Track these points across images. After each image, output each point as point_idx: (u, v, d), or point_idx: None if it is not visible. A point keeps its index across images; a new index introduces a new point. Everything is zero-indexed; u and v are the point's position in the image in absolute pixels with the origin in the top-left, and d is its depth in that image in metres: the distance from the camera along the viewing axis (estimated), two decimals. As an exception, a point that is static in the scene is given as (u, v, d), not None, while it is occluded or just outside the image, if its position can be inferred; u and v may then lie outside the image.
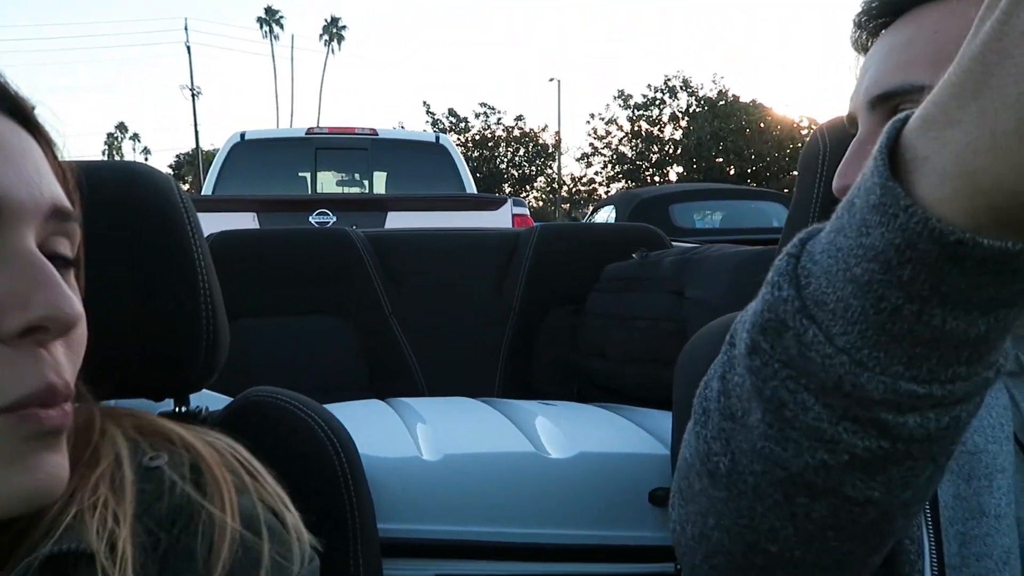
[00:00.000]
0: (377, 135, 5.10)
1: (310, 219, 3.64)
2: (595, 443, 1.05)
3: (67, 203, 0.44)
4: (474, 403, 1.30)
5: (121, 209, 0.67)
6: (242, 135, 4.86)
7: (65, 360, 0.41)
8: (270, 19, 48.24)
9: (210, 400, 0.77)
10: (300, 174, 5.20)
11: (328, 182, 5.66)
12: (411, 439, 1.02)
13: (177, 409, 0.74)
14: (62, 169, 0.47)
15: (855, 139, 0.62)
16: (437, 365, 1.67)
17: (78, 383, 0.47)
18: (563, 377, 1.72)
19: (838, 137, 0.83)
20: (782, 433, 0.37)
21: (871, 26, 0.63)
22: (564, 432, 1.07)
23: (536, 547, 0.96)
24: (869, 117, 0.60)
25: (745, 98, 22.87)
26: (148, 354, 0.67)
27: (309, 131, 5.12)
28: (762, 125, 21.74)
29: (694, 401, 0.48)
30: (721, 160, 22.08)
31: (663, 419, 1.18)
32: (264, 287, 1.61)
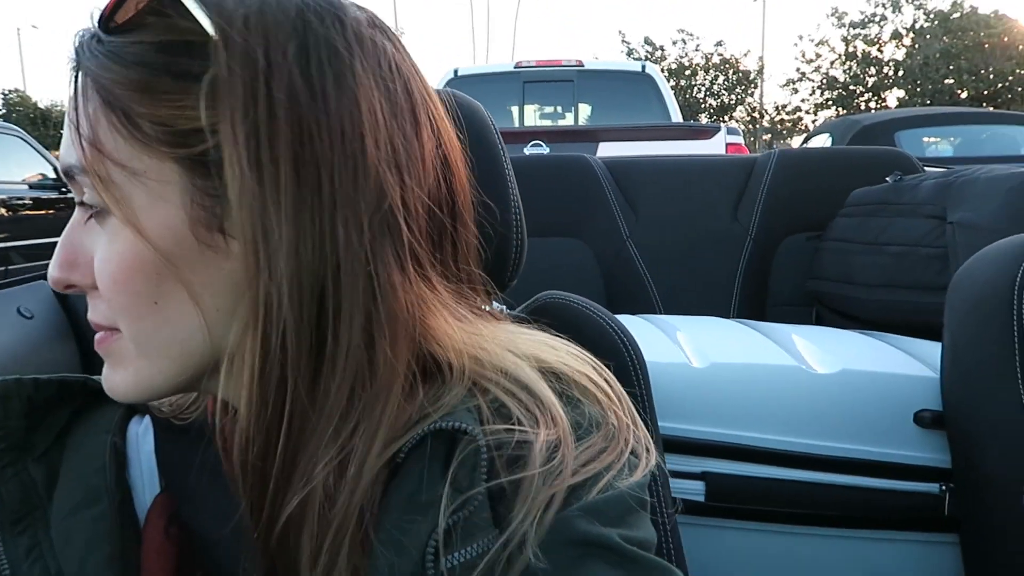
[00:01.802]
0: (583, 66, 5.11)
1: (524, 150, 3.76)
2: (858, 362, 1.06)
3: (68, 161, 0.46)
4: (726, 321, 1.35)
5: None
6: (455, 72, 5.07)
7: (98, 303, 0.47)
8: (466, -46, 48.79)
9: (498, 306, 0.87)
10: (508, 107, 5.35)
11: (531, 114, 5.75)
12: (677, 348, 1.09)
13: (486, 308, 0.85)
14: (121, 108, 0.44)
15: None
16: (673, 288, 1.73)
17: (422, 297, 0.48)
18: (799, 303, 1.72)
19: None
20: None
21: None
22: (824, 350, 1.09)
23: (797, 455, 1.00)
24: None
25: (985, 9, 20.14)
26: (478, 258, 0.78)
27: (517, 65, 5.22)
28: (1006, 40, 19.02)
29: None
30: (952, 81, 19.66)
31: (921, 344, 1.16)
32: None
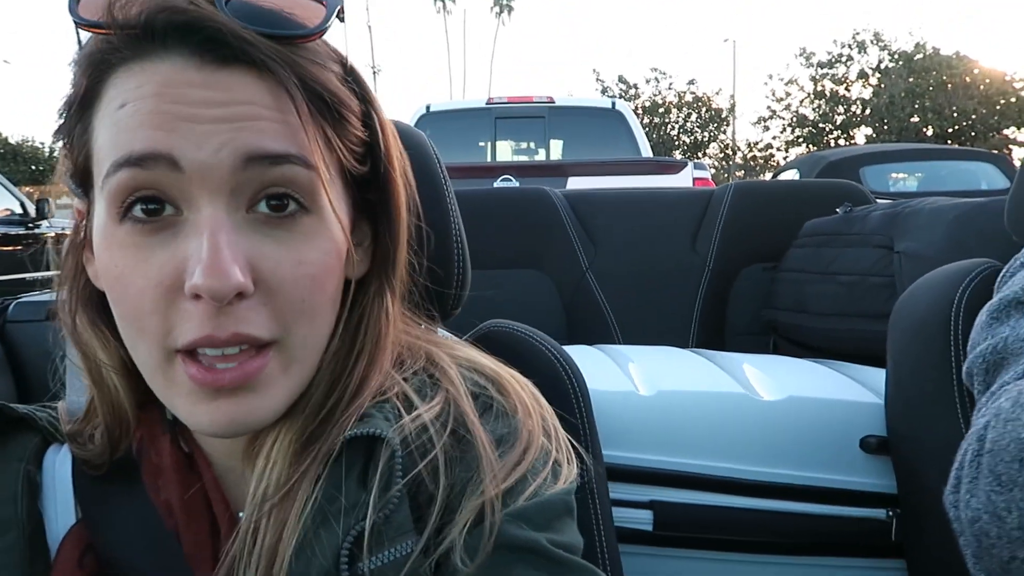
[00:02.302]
0: (554, 103, 5.18)
1: (494, 185, 3.79)
2: (805, 388, 1.07)
3: (272, 147, 0.43)
4: (679, 350, 1.35)
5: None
6: (428, 107, 5.12)
7: (257, 315, 0.43)
8: (444, -5, 49.71)
9: (445, 334, 0.87)
10: (480, 143, 5.39)
11: (504, 150, 5.81)
12: (626, 376, 1.09)
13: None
14: (309, 111, 0.45)
15: None
16: (632, 319, 1.74)
17: (390, 304, 0.54)
18: (757, 333, 1.73)
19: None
20: None
21: None
22: (772, 378, 1.09)
23: (745, 483, 1.00)
24: None
25: (947, 51, 20.77)
26: (417, 285, 0.78)
27: (489, 101, 5.28)
28: (967, 80, 19.62)
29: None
30: (917, 119, 20.18)
31: (869, 372, 1.17)
32: (472, 241, 1.74)
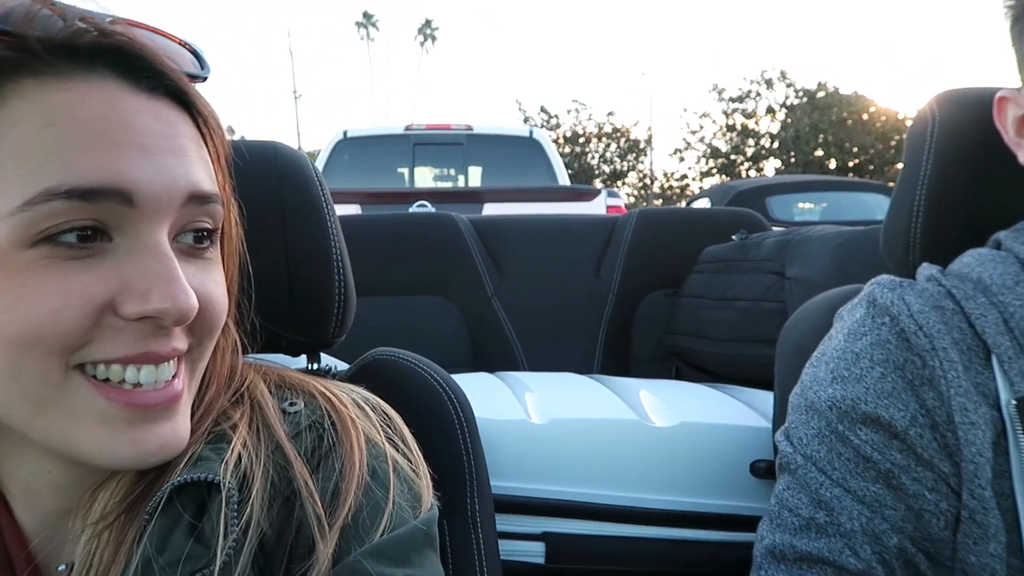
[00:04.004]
0: (472, 130, 5.20)
1: (410, 210, 3.76)
2: (697, 414, 1.07)
3: (206, 187, 0.44)
4: (578, 377, 1.35)
5: (269, 180, 0.74)
6: (345, 133, 5.06)
7: (185, 335, 0.44)
8: (367, 22, 49.71)
9: (331, 363, 0.84)
10: (399, 169, 5.36)
11: (424, 177, 5.80)
12: (519, 404, 1.07)
13: (310, 366, 0.81)
14: (216, 147, 0.48)
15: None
16: (537, 345, 1.73)
17: (236, 336, 0.54)
18: (660, 358, 1.75)
19: (949, 111, 0.83)
20: None
21: None
22: (666, 403, 1.10)
23: (638, 511, 0.99)
24: None
25: (846, 90, 21.99)
26: (291, 313, 0.74)
27: (408, 128, 5.27)
28: (865, 117, 20.79)
29: None
30: (821, 153, 21.24)
31: (762, 396, 1.19)
32: (375, 268, 1.71)
